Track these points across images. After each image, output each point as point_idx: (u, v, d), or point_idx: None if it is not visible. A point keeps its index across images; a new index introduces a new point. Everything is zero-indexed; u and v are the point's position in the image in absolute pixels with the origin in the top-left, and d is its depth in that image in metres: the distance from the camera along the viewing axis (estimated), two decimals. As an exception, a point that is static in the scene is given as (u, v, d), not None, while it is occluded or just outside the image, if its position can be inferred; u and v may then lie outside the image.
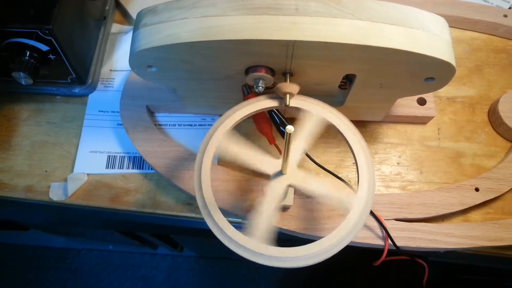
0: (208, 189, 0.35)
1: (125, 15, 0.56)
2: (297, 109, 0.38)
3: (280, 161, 0.36)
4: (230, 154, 0.36)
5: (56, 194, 0.46)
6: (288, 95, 0.37)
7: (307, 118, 0.37)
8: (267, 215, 0.34)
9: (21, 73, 0.41)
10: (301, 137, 0.37)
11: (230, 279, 1.22)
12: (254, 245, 0.33)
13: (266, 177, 0.36)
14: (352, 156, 0.37)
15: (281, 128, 0.42)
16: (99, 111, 0.50)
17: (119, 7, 0.56)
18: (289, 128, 0.28)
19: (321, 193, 0.35)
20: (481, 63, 0.53)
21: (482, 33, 0.54)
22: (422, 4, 0.53)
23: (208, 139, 0.36)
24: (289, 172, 0.36)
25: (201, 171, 0.35)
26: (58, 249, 1.26)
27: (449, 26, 0.53)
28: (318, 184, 0.36)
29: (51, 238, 1.20)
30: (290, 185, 0.36)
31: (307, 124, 0.37)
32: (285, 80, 0.37)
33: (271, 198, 0.35)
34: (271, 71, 0.37)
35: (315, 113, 0.37)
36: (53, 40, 0.40)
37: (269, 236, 0.33)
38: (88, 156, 0.47)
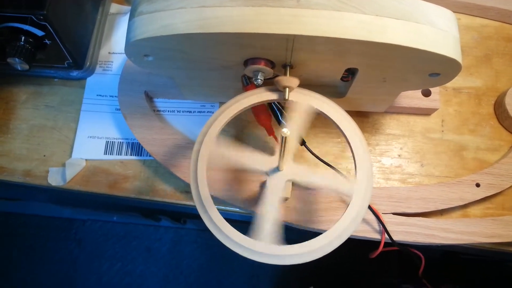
0: (205, 187, 0.34)
1: (124, -5, 0.54)
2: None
3: (273, 157, 0.35)
4: (222, 158, 0.36)
5: (54, 179, 0.46)
6: (287, 88, 0.36)
7: (296, 109, 0.36)
8: (272, 215, 0.33)
9: (16, 59, 0.40)
10: (293, 130, 0.36)
11: (232, 251, 1.24)
12: (252, 244, 0.33)
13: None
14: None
15: (280, 119, 0.41)
16: (97, 95, 0.49)
17: (118, -14, 0.54)
18: (285, 131, 0.28)
19: (320, 185, 0.35)
20: (491, 52, 0.51)
21: (494, 20, 0.52)
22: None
23: (203, 136, 0.36)
24: (287, 168, 0.35)
25: (196, 172, 0.35)
26: (63, 219, 1.28)
27: (458, 12, 0.52)
28: (316, 177, 0.35)
29: (56, 208, 1.22)
30: (288, 180, 0.36)
31: (297, 116, 0.36)
32: (285, 73, 0.36)
33: (273, 196, 0.35)
34: (271, 63, 0.36)
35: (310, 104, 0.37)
36: (48, 25, 0.39)
37: (277, 235, 0.33)
38: (86, 142, 0.47)
